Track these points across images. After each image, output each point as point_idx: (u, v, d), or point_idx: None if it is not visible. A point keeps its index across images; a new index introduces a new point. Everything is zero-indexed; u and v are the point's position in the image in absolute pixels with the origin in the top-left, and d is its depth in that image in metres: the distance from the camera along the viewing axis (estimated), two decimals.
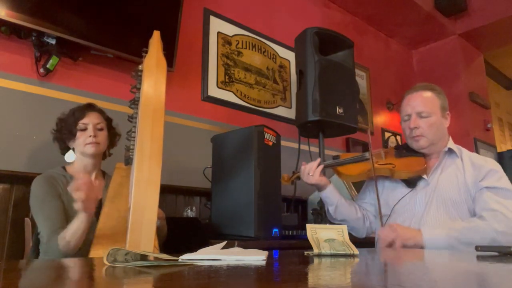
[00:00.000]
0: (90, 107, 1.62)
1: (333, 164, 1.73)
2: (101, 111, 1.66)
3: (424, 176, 1.62)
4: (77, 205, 1.27)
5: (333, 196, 1.69)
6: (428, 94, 1.65)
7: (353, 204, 1.75)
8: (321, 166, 1.67)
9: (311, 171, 1.66)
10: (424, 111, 1.61)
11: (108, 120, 1.68)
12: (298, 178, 1.72)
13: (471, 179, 1.55)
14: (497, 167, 1.57)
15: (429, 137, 1.61)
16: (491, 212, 1.44)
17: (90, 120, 1.57)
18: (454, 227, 1.47)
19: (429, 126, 1.60)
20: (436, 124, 1.61)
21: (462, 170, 1.58)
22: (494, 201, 1.46)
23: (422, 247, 1.45)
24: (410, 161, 1.65)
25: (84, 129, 1.56)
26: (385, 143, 1.76)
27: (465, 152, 1.65)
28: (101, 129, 1.61)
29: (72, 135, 1.56)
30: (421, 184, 1.62)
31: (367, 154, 1.68)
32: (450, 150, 1.64)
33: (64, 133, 1.57)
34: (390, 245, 1.47)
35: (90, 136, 1.55)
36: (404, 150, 1.70)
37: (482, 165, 1.55)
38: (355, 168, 1.69)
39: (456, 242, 1.43)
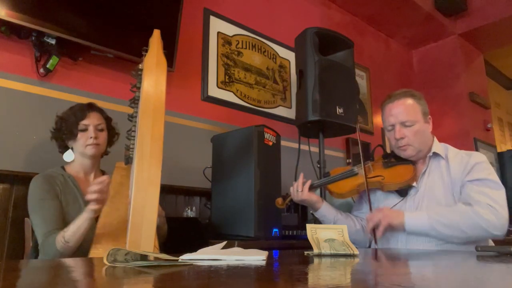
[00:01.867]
0: (90, 107, 1.62)
1: (323, 183, 1.72)
2: (101, 111, 1.66)
3: (414, 184, 1.62)
4: (91, 205, 1.31)
5: (329, 213, 1.68)
6: (409, 101, 1.63)
7: (350, 217, 1.74)
8: (309, 182, 1.66)
9: (299, 187, 1.65)
10: (407, 120, 1.60)
11: (108, 120, 1.68)
12: (292, 200, 1.71)
13: (457, 175, 1.55)
14: (482, 158, 1.57)
15: (416, 145, 1.61)
16: (476, 202, 1.45)
17: (91, 121, 1.57)
18: (435, 210, 1.50)
19: (414, 134, 1.60)
20: (420, 131, 1.61)
21: (447, 169, 1.59)
22: (477, 192, 1.47)
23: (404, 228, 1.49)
24: (398, 171, 1.64)
25: (85, 130, 1.56)
26: (371, 157, 1.76)
27: (451, 150, 1.65)
28: (101, 130, 1.61)
29: (73, 136, 1.56)
30: (411, 192, 1.63)
31: (355, 169, 1.67)
32: (435, 154, 1.63)
33: (65, 133, 1.57)
34: (376, 225, 1.50)
35: (91, 137, 1.55)
36: (392, 158, 1.69)
37: (467, 161, 1.56)
38: (345, 185, 1.67)
39: (437, 224, 1.44)
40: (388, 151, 1.77)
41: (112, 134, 1.70)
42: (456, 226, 1.42)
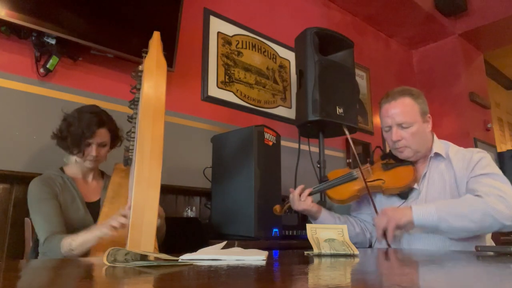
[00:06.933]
0: (100, 124, 1.55)
1: (321, 189, 1.68)
2: (109, 125, 1.60)
3: (415, 186, 1.58)
4: (107, 226, 1.28)
5: (328, 221, 1.65)
6: (406, 101, 1.57)
7: (349, 220, 1.72)
8: (308, 190, 1.62)
9: (303, 197, 1.62)
10: (404, 121, 1.54)
11: (114, 132, 1.63)
12: (290, 208, 1.68)
13: (460, 172, 1.52)
14: (483, 154, 1.54)
15: (413, 147, 1.57)
16: (484, 193, 1.41)
17: (95, 140, 1.53)
18: (443, 202, 1.45)
19: (411, 136, 1.55)
20: (418, 132, 1.56)
21: (450, 168, 1.56)
22: (484, 185, 1.44)
23: (413, 224, 1.43)
24: (399, 173, 1.60)
25: (88, 146, 1.54)
26: (371, 160, 1.72)
27: (452, 148, 1.61)
28: (104, 146, 1.58)
29: (76, 151, 1.53)
30: (413, 194, 1.59)
31: (354, 173, 1.64)
32: (436, 154, 1.59)
33: (69, 147, 1.54)
34: (384, 231, 1.44)
35: (92, 154, 1.54)
36: (391, 159, 1.66)
37: (469, 158, 1.52)
38: (345, 190, 1.64)
39: (447, 215, 1.39)
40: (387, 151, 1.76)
41: (115, 142, 1.67)
42: (466, 216, 1.37)
